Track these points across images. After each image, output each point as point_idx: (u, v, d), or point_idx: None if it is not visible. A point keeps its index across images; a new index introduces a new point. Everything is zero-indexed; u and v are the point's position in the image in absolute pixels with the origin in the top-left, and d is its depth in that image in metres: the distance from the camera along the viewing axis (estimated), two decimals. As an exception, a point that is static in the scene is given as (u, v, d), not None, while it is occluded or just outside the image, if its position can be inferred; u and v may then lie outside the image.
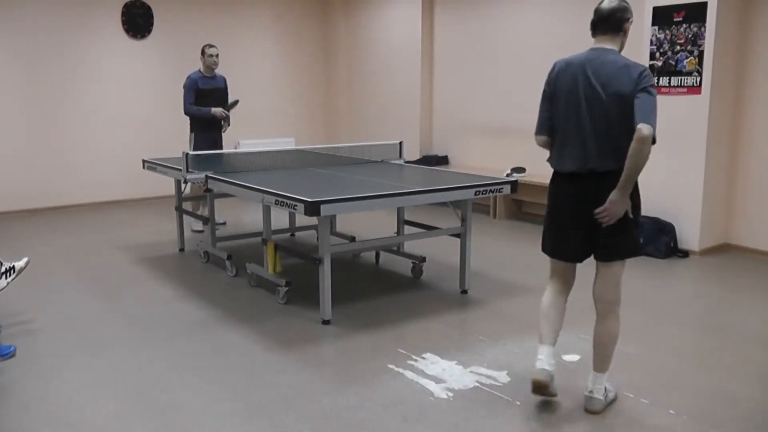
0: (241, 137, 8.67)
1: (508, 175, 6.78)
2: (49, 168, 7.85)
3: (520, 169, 7.08)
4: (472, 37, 7.88)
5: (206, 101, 6.45)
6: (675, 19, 5.56)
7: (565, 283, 3.09)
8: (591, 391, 2.98)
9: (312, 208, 3.66)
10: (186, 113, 6.49)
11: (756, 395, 3.17)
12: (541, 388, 2.94)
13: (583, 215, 2.88)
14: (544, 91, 3.02)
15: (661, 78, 5.67)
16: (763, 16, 5.52)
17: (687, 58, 5.52)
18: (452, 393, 3.18)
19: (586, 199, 2.85)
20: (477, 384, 3.27)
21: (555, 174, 3.03)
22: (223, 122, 6.61)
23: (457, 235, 4.63)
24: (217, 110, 6.45)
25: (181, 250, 5.94)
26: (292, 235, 6.40)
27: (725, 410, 3.02)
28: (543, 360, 2.95)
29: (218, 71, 6.64)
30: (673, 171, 5.68)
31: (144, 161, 6.00)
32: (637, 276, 4.99)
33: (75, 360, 3.59)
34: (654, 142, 2.64)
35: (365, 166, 5.42)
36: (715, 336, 3.96)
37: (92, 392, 3.21)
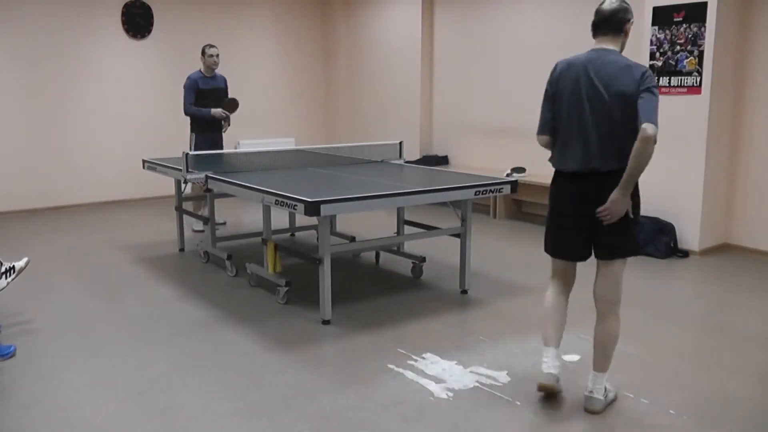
0: (241, 137, 8.67)
1: (508, 175, 6.78)
2: (49, 168, 7.85)
3: (520, 169, 7.08)
4: (472, 37, 7.88)
5: (207, 101, 6.45)
6: (675, 19, 5.56)
7: (566, 283, 3.11)
8: (591, 391, 2.98)
9: (312, 208, 3.66)
10: (186, 113, 6.50)
11: (756, 395, 3.17)
12: (548, 391, 3.02)
13: (584, 215, 2.88)
14: (546, 91, 3.02)
15: (661, 78, 5.67)
16: (763, 16, 5.52)
17: (687, 58, 5.52)
18: (452, 393, 3.18)
19: (588, 199, 2.86)
20: (477, 384, 3.27)
21: (557, 173, 3.03)
22: (223, 122, 6.61)
23: (457, 235, 4.63)
24: (216, 111, 6.45)
25: (181, 250, 5.95)
26: (292, 235, 6.40)
27: (725, 410, 3.02)
28: (549, 363, 3.01)
29: (218, 71, 6.64)
30: (673, 171, 5.68)
31: (144, 161, 6.00)
32: (637, 276, 4.99)
33: (75, 360, 3.59)
34: (655, 141, 2.65)
35: (365, 166, 5.42)
36: (715, 336, 3.96)
37: (92, 392, 3.21)
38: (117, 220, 7.38)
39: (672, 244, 5.69)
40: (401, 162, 5.76)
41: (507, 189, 4.53)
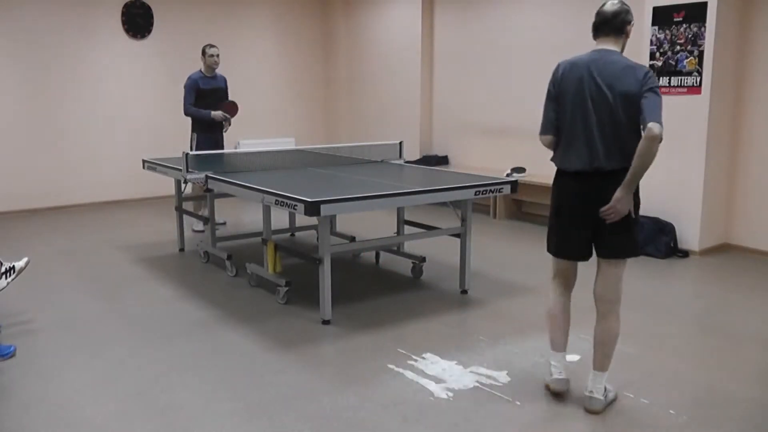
0: (241, 137, 8.66)
1: (508, 175, 6.78)
2: (49, 168, 7.85)
3: (520, 169, 7.08)
4: (472, 37, 7.88)
5: (207, 101, 6.45)
6: (675, 19, 5.56)
7: (568, 284, 3.12)
8: (591, 391, 2.98)
9: (312, 208, 3.66)
10: (186, 114, 6.50)
11: (756, 395, 3.17)
12: (559, 396, 3.09)
13: (587, 214, 2.89)
14: (549, 91, 3.02)
15: (661, 78, 5.66)
16: (763, 16, 5.52)
17: (687, 58, 5.52)
18: (452, 393, 3.18)
19: (591, 198, 2.87)
20: (477, 384, 3.27)
21: (559, 173, 3.03)
22: (224, 123, 6.61)
23: (457, 235, 4.63)
24: (217, 114, 6.45)
25: (181, 250, 5.94)
26: (292, 235, 6.40)
27: (725, 410, 3.02)
28: (558, 367, 3.08)
29: (218, 71, 6.64)
30: (673, 171, 5.68)
31: (144, 161, 6.00)
32: (637, 276, 4.99)
33: (75, 360, 3.59)
34: (660, 140, 2.66)
35: (365, 166, 5.42)
36: (715, 336, 3.96)
37: (92, 392, 3.21)
38: (117, 220, 7.38)
39: (672, 244, 5.69)
40: (401, 162, 5.76)
41: (507, 189, 4.53)
